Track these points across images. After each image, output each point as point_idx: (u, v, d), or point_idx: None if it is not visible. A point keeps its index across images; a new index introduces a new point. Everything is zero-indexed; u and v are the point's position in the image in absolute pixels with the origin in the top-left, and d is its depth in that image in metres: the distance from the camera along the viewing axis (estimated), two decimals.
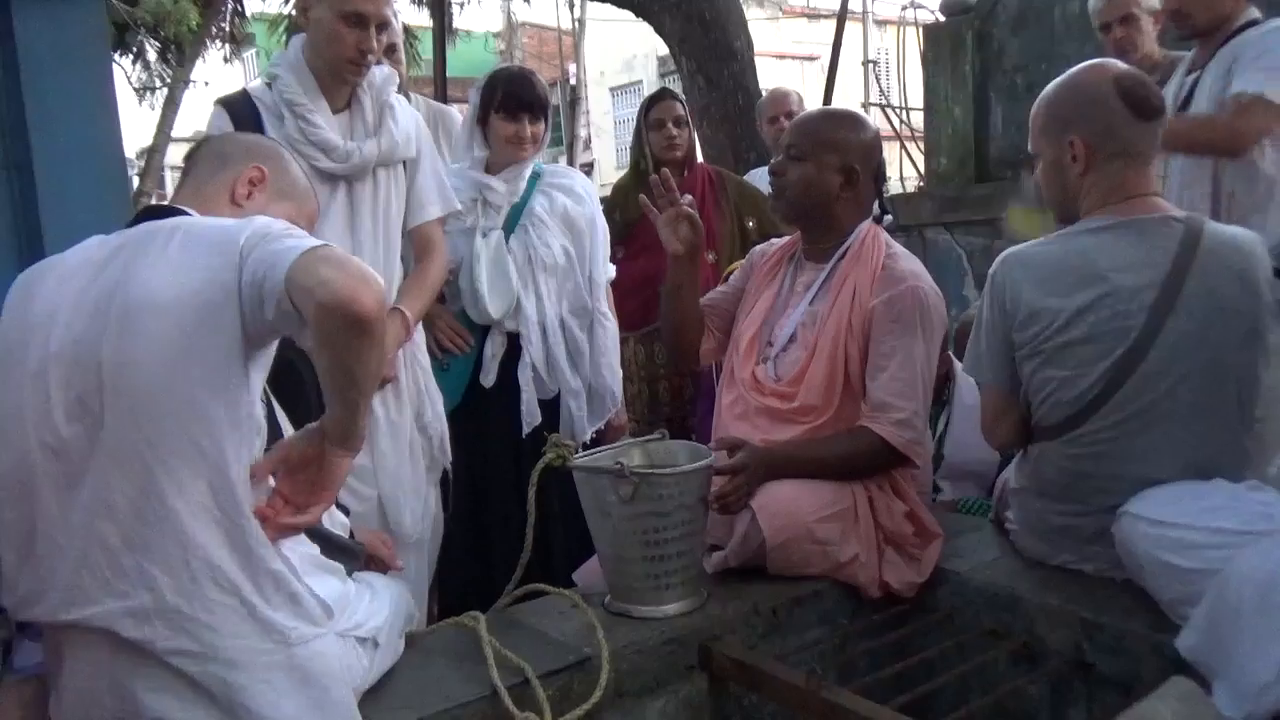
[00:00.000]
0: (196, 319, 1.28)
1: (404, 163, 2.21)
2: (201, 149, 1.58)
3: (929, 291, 1.97)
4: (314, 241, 1.29)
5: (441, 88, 5.90)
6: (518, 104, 2.50)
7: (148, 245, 1.33)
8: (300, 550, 1.44)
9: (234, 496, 1.29)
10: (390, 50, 2.72)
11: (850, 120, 2.11)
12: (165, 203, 1.46)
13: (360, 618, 1.47)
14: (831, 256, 2.06)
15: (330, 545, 1.56)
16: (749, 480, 1.85)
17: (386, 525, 2.12)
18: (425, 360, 2.30)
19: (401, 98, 2.25)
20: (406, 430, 2.19)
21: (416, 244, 2.27)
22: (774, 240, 2.30)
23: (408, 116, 2.20)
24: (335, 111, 2.11)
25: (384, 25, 2.08)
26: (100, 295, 1.31)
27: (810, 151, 2.03)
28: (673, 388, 3.26)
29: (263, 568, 1.31)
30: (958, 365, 2.66)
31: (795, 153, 2.05)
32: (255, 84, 2.21)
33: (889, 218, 2.13)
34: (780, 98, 3.97)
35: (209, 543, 1.27)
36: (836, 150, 2.02)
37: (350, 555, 1.62)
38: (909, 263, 2.02)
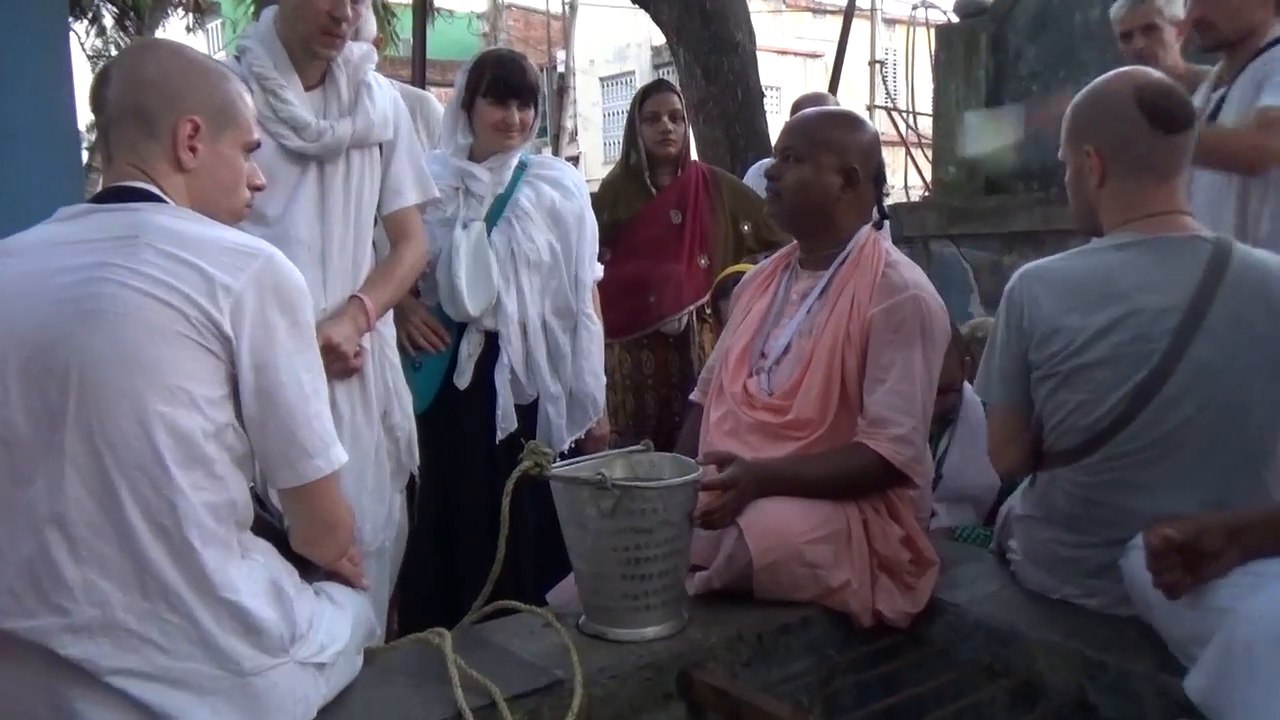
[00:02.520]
0: (173, 338, 1.30)
1: (379, 146, 2.21)
2: (113, 97, 1.44)
3: (931, 301, 1.99)
4: (318, 466, 1.42)
5: (420, 69, 5.89)
6: (507, 89, 2.51)
7: (128, 245, 1.33)
8: (273, 566, 1.44)
9: (196, 516, 1.30)
10: (336, 20, 2.71)
11: (848, 120, 2.14)
12: (137, 183, 1.43)
13: (323, 639, 1.47)
14: (830, 264, 2.07)
15: (294, 556, 1.55)
16: (738, 496, 1.86)
17: None
18: (395, 357, 2.30)
19: (380, 77, 2.24)
20: (372, 431, 2.19)
21: (392, 232, 2.27)
22: (763, 265, 2.31)
23: (385, 97, 2.21)
24: (308, 88, 2.11)
25: None
26: (69, 286, 1.30)
27: (808, 152, 2.05)
28: (660, 398, 3.28)
29: (217, 595, 1.31)
30: (966, 385, 2.68)
31: (792, 154, 2.07)
32: (222, 57, 2.20)
33: (888, 223, 2.16)
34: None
35: (164, 563, 1.28)
36: (835, 151, 2.05)
37: (311, 565, 1.62)
38: (910, 271, 2.03)
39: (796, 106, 3.96)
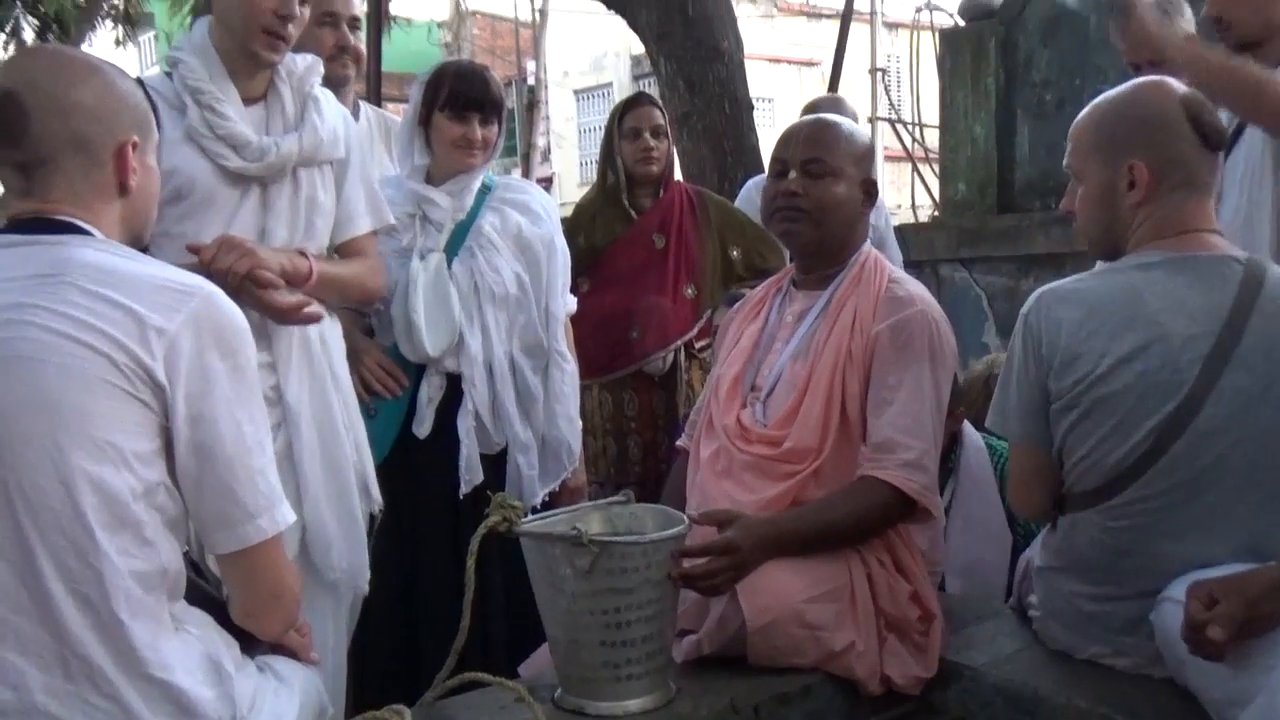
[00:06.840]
0: (99, 387, 1.31)
1: (331, 165, 2.22)
2: (40, 131, 1.42)
3: (939, 318, 2.05)
4: (261, 527, 1.43)
5: (376, 84, 5.96)
6: (467, 102, 2.54)
7: (50, 283, 1.34)
8: (210, 639, 1.44)
9: (124, 586, 1.31)
10: (342, 49, 2.77)
11: (855, 128, 2.23)
12: (57, 214, 1.44)
13: None
14: (829, 283, 2.13)
15: (234, 627, 1.55)
16: (739, 564, 1.84)
17: (308, 562, 2.05)
18: (350, 391, 2.27)
19: (327, 91, 2.26)
20: (340, 454, 2.13)
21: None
22: (755, 291, 2.34)
23: (334, 111, 2.22)
24: (248, 102, 2.12)
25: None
26: None
27: (839, 166, 2.10)
28: (645, 444, 3.28)
29: (148, 674, 1.32)
30: (967, 426, 2.70)
31: (819, 169, 2.10)
32: (152, 74, 2.21)
33: (897, 249, 2.22)
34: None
35: (89, 639, 1.29)
36: (859, 163, 2.13)
37: (253, 636, 1.61)
38: (915, 287, 2.10)
39: (811, 110, 3.97)
